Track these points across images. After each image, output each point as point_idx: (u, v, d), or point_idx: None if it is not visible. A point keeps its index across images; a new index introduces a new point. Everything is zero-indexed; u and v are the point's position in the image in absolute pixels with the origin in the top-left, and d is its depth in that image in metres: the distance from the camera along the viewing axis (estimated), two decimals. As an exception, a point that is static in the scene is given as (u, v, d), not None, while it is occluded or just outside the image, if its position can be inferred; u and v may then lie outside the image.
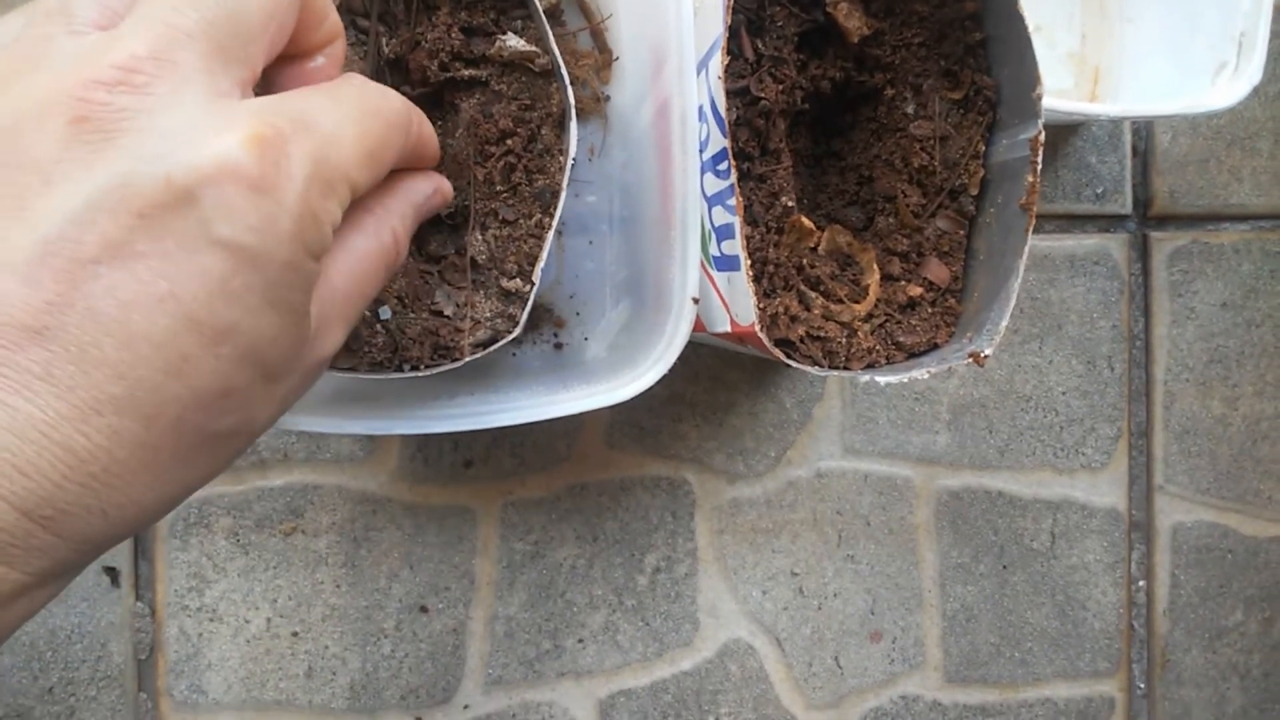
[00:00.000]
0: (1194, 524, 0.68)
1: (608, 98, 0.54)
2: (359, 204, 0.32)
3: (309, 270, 0.25)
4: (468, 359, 0.42)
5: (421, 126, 0.33)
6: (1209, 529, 0.68)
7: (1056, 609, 0.66)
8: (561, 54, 0.53)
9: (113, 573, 0.59)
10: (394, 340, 0.42)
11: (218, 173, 0.22)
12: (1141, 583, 0.68)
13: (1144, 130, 0.68)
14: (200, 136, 0.23)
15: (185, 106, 0.23)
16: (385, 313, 0.42)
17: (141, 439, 0.22)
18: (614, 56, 0.54)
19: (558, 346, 0.55)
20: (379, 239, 0.30)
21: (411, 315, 0.44)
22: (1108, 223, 0.67)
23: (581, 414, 0.48)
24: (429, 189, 0.35)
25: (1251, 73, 0.54)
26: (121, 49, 0.23)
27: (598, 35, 0.54)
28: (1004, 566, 0.66)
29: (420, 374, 0.41)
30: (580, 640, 0.62)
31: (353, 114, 0.27)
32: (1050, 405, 0.66)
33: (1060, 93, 0.65)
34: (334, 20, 0.31)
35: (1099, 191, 0.67)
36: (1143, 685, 0.68)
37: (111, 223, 0.22)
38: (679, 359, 0.46)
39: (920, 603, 0.65)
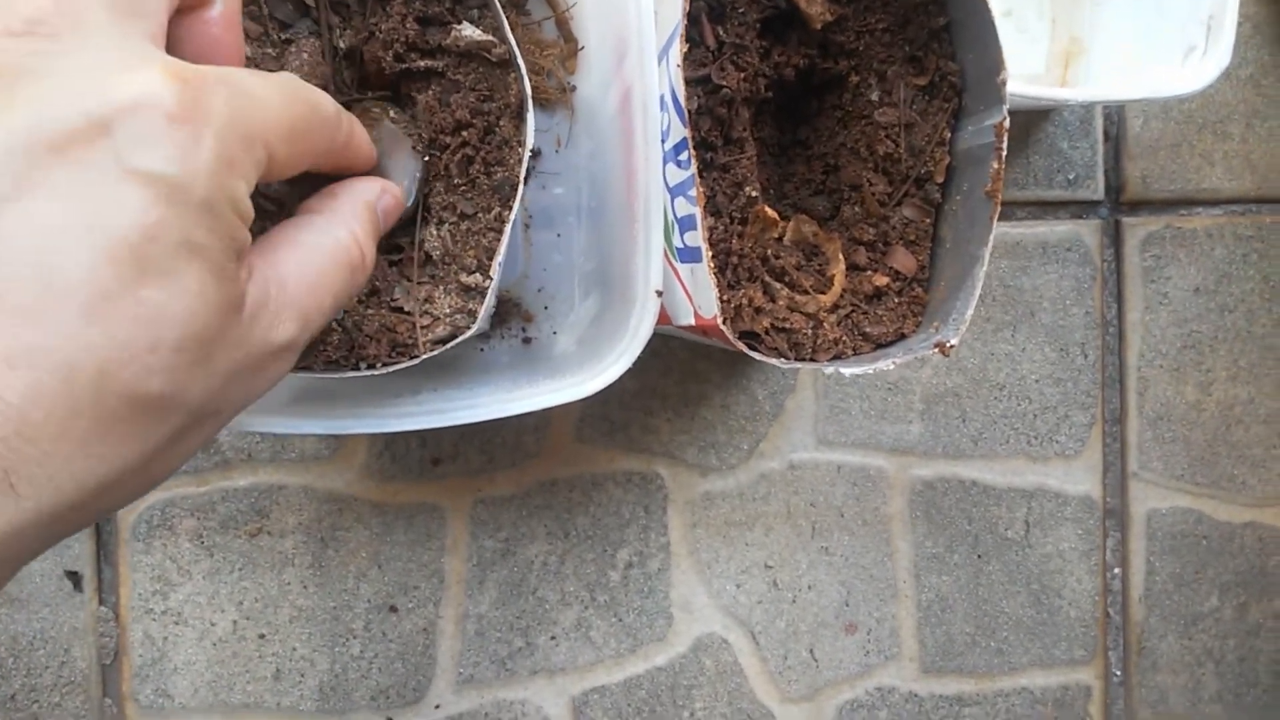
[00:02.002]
0: (1168, 510, 0.68)
1: (574, 87, 0.53)
2: (306, 207, 0.32)
3: (230, 222, 0.24)
4: (425, 356, 0.41)
5: (353, 128, 0.33)
6: (1183, 515, 0.68)
7: (1032, 597, 0.66)
8: (526, 43, 0.52)
9: (75, 577, 0.58)
10: (350, 338, 0.41)
11: (134, 103, 0.22)
12: (1117, 570, 0.68)
13: (1115, 115, 0.68)
14: (115, 73, 0.22)
15: (97, 51, 0.23)
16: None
17: (59, 396, 0.21)
18: (579, 45, 0.53)
19: (526, 341, 0.54)
20: (333, 237, 0.30)
21: (370, 312, 0.43)
22: (1080, 209, 0.67)
23: (551, 409, 0.47)
24: (374, 189, 0.35)
25: (1220, 56, 0.54)
26: (26, 3, 0.22)
27: (562, 24, 0.53)
28: (979, 556, 0.66)
29: (377, 372, 0.41)
30: (553, 637, 0.61)
31: (280, 90, 0.26)
32: (1023, 393, 0.66)
33: (1031, 77, 0.64)
34: None
35: (1071, 177, 0.67)
36: (1119, 672, 0.68)
37: (24, 158, 0.21)
38: (648, 351, 0.46)
39: (895, 593, 0.65)
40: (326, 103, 0.30)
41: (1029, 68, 0.64)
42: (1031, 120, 0.67)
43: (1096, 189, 0.67)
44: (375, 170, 0.46)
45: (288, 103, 0.26)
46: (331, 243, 0.30)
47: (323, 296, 0.29)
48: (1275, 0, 0.68)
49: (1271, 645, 0.69)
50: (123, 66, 0.22)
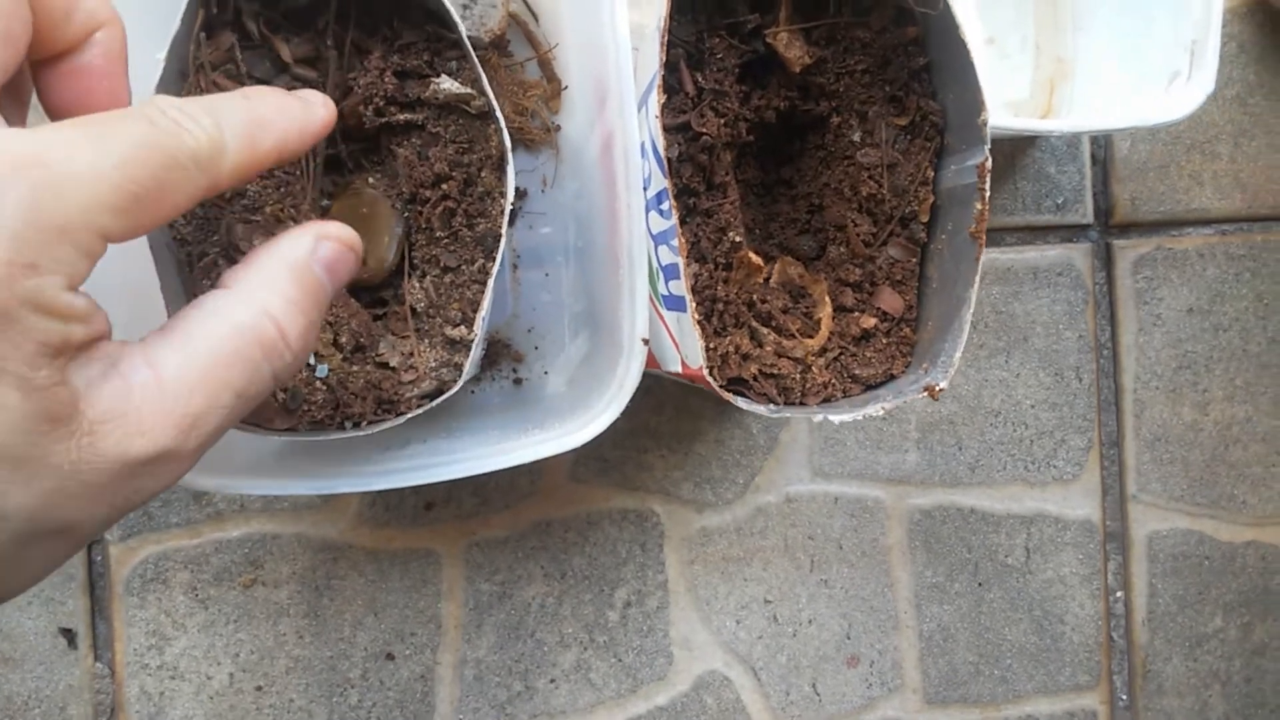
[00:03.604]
0: (1169, 532, 0.67)
1: (558, 127, 0.53)
2: (221, 281, 0.28)
3: (36, 329, 0.22)
4: (411, 414, 0.40)
5: (254, 130, 0.28)
6: (1184, 536, 0.67)
7: (1034, 624, 0.66)
8: (509, 84, 0.52)
9: (69, 634, 0.57)
10: (335, 396, 0.41)
11: None
12: (1119, 593, 0.67)
13: (1102, 138, 0.67)
14: None
15: None
16: (322, 370, 0.41)
17: None
18: (563, 85, 0.53)
19: (517, 382, 0.54)
20: (232, 321, 0.26)
21: (354, 368, 0.43)
22: (1070, 233, 0.67)
23: (541, 453, 0.47)
24: (304, 244, 0.29)
25: (1204, 81, 0.53)
26: None
27: (545, 64, 0.53)
28: (979, 584, 0.65)
29: (363, 431, 0.40)
30: (552, 680, 0.61)
31: (119, 149, 0.23)
32: (1019, 419, 0.66)
33: (1016, 104, 0.64)
34: (90, 8, 0.28)
35: (1059, 202, 0.67)
36: (1125, 697, 0.67)
37: None
38: (640, 389, 0.45)
39: (896, 624, 0.64)
40: (192, 141, 0.25)
41: (1013, 94, 0.64)
42: (1018, 146, 0.67)
43: (1086, 212, 0.67)
44: (360, 233, 0.46)
45: (128, 163, 0.23)
46: (233, 328, 0.26)
47: (216, 394, 0.25)
48: (1260, 19, 0.68)
49: (1277, 664, 0.68)
50: None
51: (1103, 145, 0.67)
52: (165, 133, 0.25)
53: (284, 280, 0.28)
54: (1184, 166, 0.68)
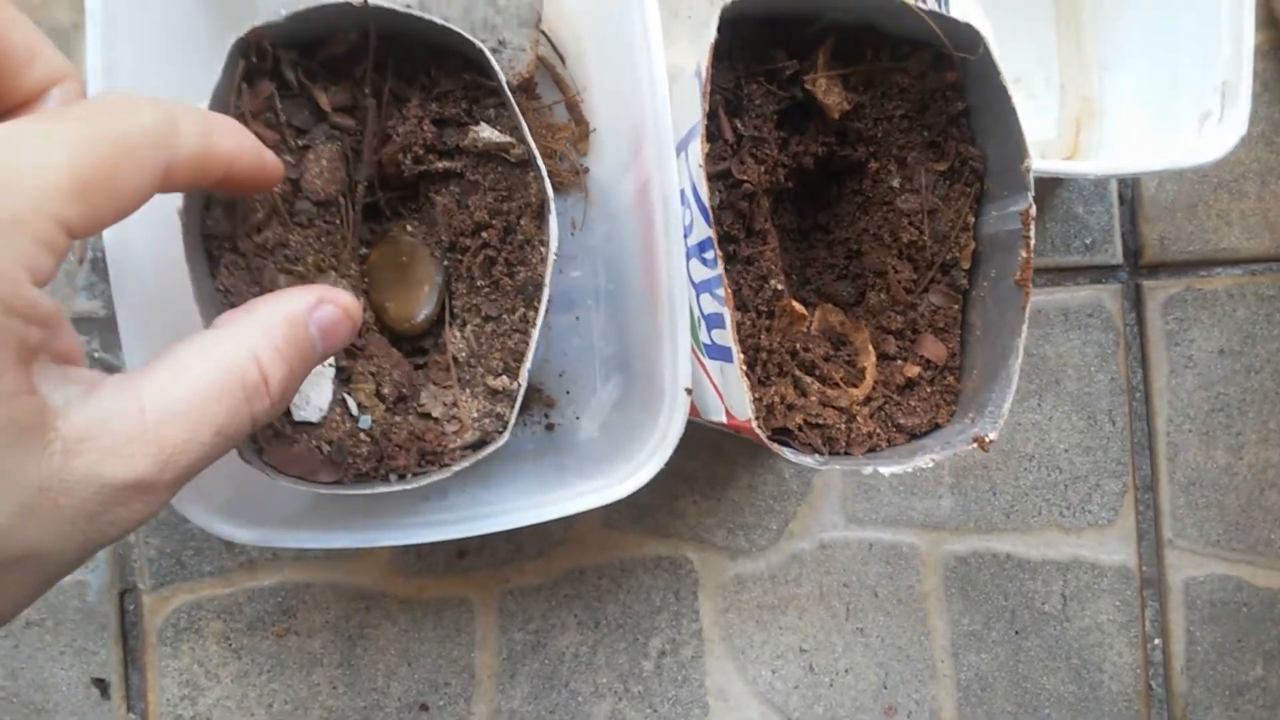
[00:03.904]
0: (1206, 578, 0.66)
1: (586, 170, 0.53)
2: (215, 323, 0.29)
3: None
4: (456, 468, 0.40)
5: (209, 128, 0.28)
6: (1221, 582, 0.66)
7: (1072, 673, 0.65)
8: (538, 127, 0.53)
9: (102, 684, 0.57)
10: (379, 448, 0.41)
11: None
12: (1157, 641, 0.66)
13: (1130, 179, 0.67)
14: None
15: None
16: (365, 422, 0.41)
17: None
18: (591, 128, 0.53)
19: (549, 427, 0.54)
20: (222, 358, 0.26)
21: (397, 419, 0.43)
22: (1099, 273, 0.67)
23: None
24: (305, 301, 0.30)
25: (1236, 123, 0.54)
26: None
27: (573, 108, 0.54)
28: (1016, 632, 0.64)
29: (408, 485, 0.40)
30: (586, 731, 0.60)
31: (66, 138, 0.23)
32: (1053, 463, 0.65)
33: (1042, 144, 0.64)
34: (49, 58, 0.28)
35: (1088, 242, 0.66)
36: (1166, 745, 0.66)
37: None
38: (674, 436, 0.45)
39: (934, 674, 0.64)
40: (140, 122, 0.25)
41: (1039, 134, 0.65)
42: (1046, 187, 0.67)
43: (1115, 253, 0.67)
44: (398, 282, 0.46)
45: (76, 149, 0.23)
46: (219, 365, 0.26)
47: (197, 428, 0.25)
48: (1284, 60, 0.68)
49: (1321, 712, 0.67)
50: None
51: (1130, 185, 0.68)
52: (113, 116, 0.24)
53: (277, 329, 0.28)
54: (1212, 206, 0.68)
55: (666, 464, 0.44)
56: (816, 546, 0.63)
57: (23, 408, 0.21)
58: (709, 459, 0.62)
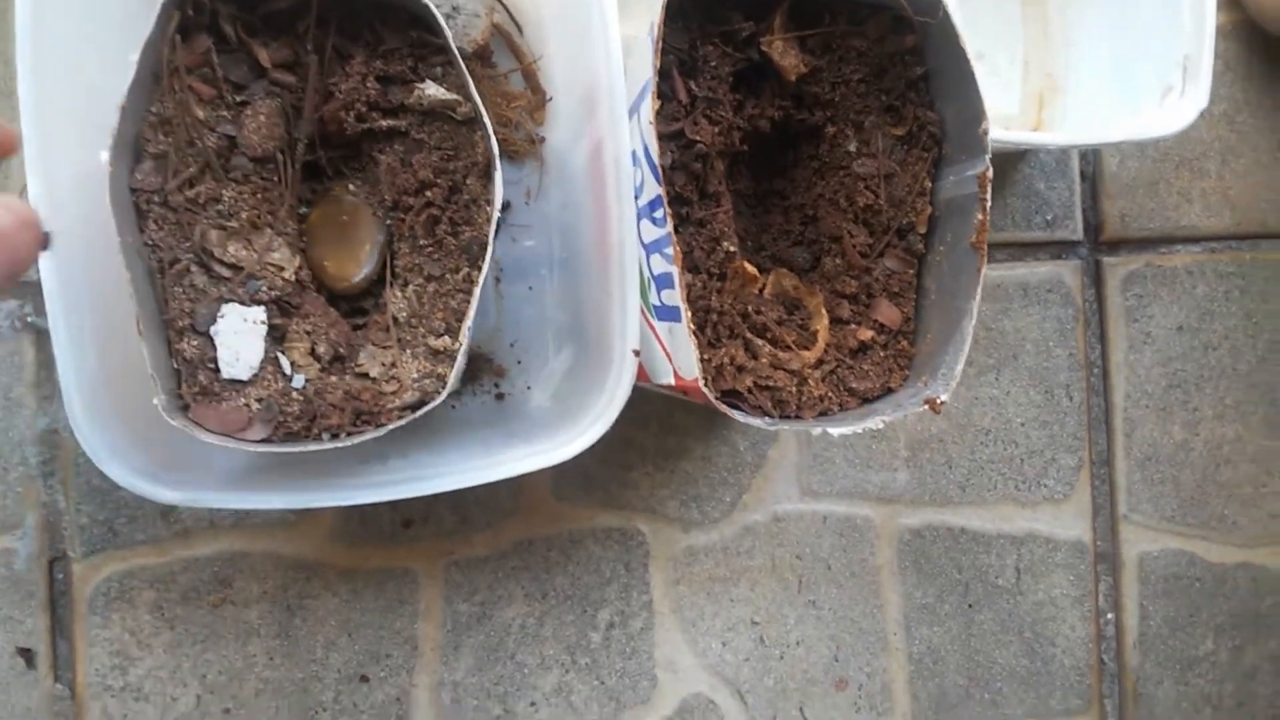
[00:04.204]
0: (1160, 553, 0.66)
1: (543, 139, 0.52)
2: None
3: None
4: (391, 426, 0.39)
5: None
6: (1175, 557, 0.67)
7: (1025, 646, 0.65)
8: (493, 95, 0.51)
9: (28, 654, 0.55)
10: (311, 406, 0.40)
11: None
12: (1110, 615, 0.66)
13: (1092, 155, 0.67)
14: None
15: None
16: (298, 380, 0.40)
17: None
18: (547, 97, 0.52)
19: (499, 397, 0.52)
20: None
21: (333, 379, 0.41)
22: (1059, 249, 0.66)
23: (525, 469, 0.45)
24: None
25: (1198, 97, 0.53)
26: None
27: (529, 76, 0.52)
28: (969, 605, 0.64)
29: (340, 443, 0.39)
30: (533, 704, 0.59)
31: None
32: (1010, 437, 0.65)
33: (1005, 119, 0.64)
34: None
35: (1049, 218, 0.66)
36: (1115, 721, 0.66)
37: None
38: (626, 404, 0.44)
39: (885, 646, 0.63)
40: None
41: (1002, 109, 0.64)
42: (1007, 161, 0.66)
43: (1075, 229, 0.66)
44: (338, 241, 0.44)
45: None
46: None
47: None
48: (1246, 37, 0.68)
49: (1268, 688, 0.68)
50: None
51: (1091, 162, 0.67)
52: None
53: None
54: (1173, 183, 0.67)
55: (618, 435, 0.43)
56: (770, 519, 0.62)
57: None
58: (661, 430, 0.60)
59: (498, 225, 0.42)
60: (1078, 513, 0.65)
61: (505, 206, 0.51)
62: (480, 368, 0.52)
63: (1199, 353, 0.67)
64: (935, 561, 0.64)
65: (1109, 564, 0.66)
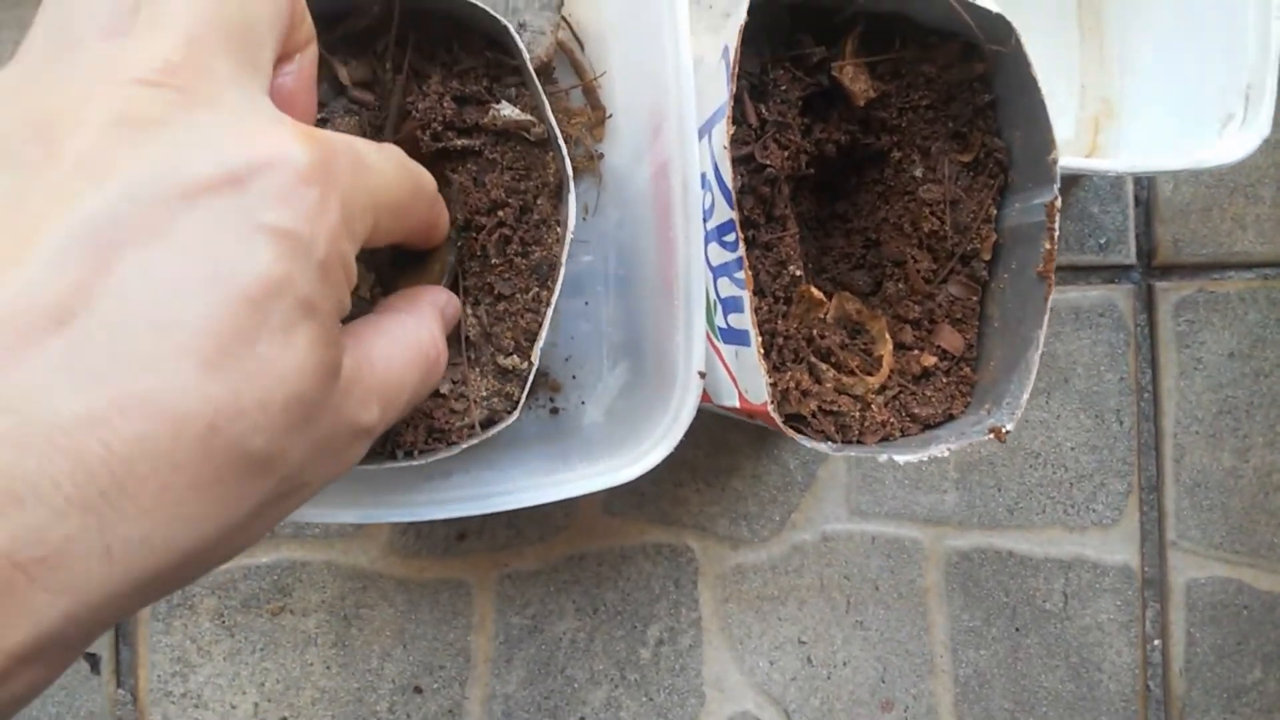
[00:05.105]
0: (1208, 580, 0.66)
1: (601, 155, 0.53)
2: (386, 305, 0.33)
3: (340, 286, 0.24)
4: (464, 445, 0.39)
5: (443, 209, 0.34)
6: (1223, 585, 0.66)
7: (1071, 671, 0.64)
8: (555, 112, 0.52)
9: (93, 659, 0.56)
10: (387, 425, 0.40)
11: (268, 160, 0.22)
12: (1157, 642, 0.66)
13: (1146, 180, 0.67)
14: (249, 129, 0.22)
15: (229, 106, 0.23)
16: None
17: (167, 450, 0.19)
18: (607, 114, 0.53)
19: (554, 411, 0.53)
20: (415, 334, 0.30)
21: (405, 396, 0.42)
22: (1112, 273, 0.66)
23: (581, 485, 0.46)
24: (444, 297, 0.35)
25: (1261, 125, 0.53)
26: (155, 53, 0.22)
27: (590, 93, 0.53)
28: (1016, 629, 0.64)
29: (415, 461, 0.39)
30: (582, 718, 0.59)
31: (391, 162, 0.27)
32: (1059, 461, 0.65)
33: (1060, 144, 0.63)
34: (310, 24, 0.30)
35: (1102, 242, 0.66)
36: (1161, 748, 0.66)
37: (152, 204, 0.20)
38: (680, 425, 0.44)
39: (932, 669, 0.63)
40: (428, 181, 0.30)
41: (1058, 133, 0.63)
42: (1062, 185, 0.66)
43: (1128, 253, 0.66)
44: (410, 261, 0.45)
45: (398, 176, 0.27)
46: (414, 338, 0.30)
47: (402, 388, 0.28)
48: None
49: (1317, 719, 0.67)
50: (255, 122, 0.23)
51: (1145, 187, 0.67)
52: (411, 162, 0.29)
53: (438, 319, 0.33)
54: (1227, 209, 0.67)
55: (670, 453, 0.44)
56: (819, 538, 0.62)
57: (337, 355, 0.24)
58: (713, 449, 0.61)
59: (569, 246, 0.42)
60: (1125, 538, 0.65)
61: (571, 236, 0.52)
62: (536, 382, 0.52)
63: (1250, 379, 0.67)
64: (983, 584, 0.64)
65: (1156, 590, 0.66)
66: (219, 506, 0.21)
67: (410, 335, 0.30)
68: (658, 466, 0.42)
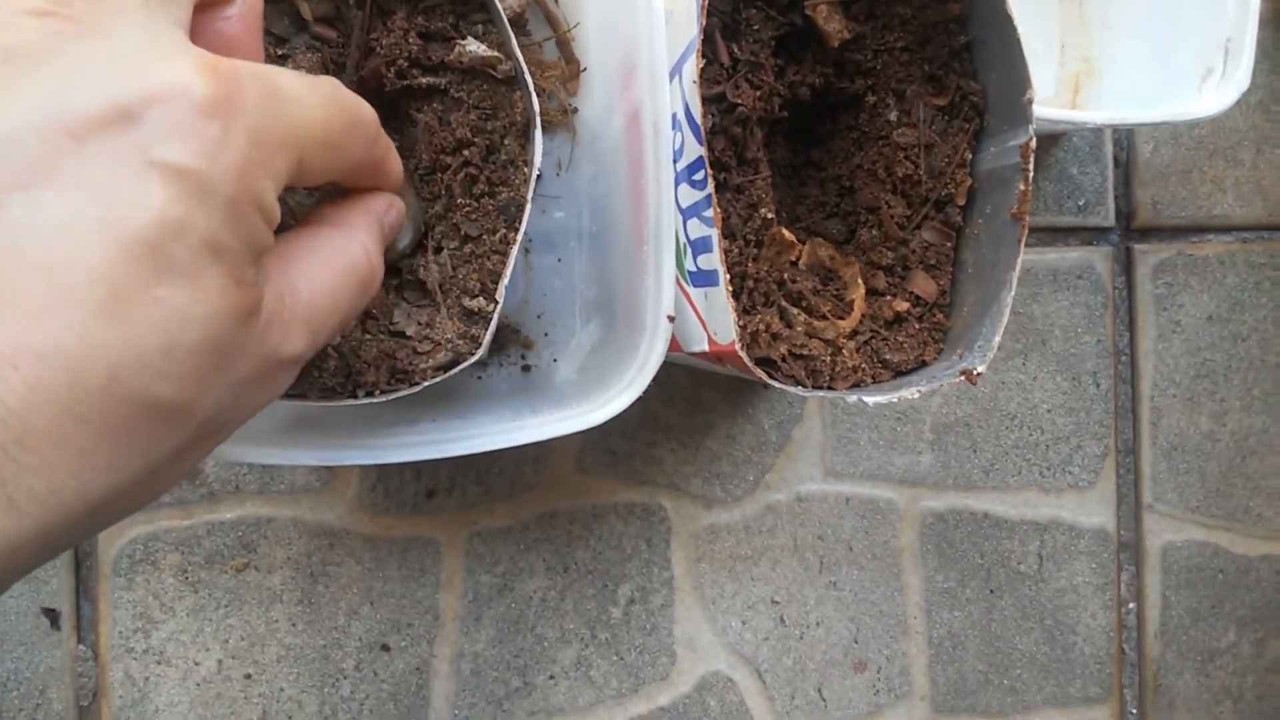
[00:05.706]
0: (1184, 543, 0.66)
1: (575, 110, 0.52)
2: (316, 216, 0.30)
3: (253, 224, 0.22)
4: (426, 383, 0.39)
5: (389, 148, 0.32)
6: (1199, 548, 0.66)
7: (1046, 634, 0.64)
8: (527, 65, 0.51)
9: (53, 614, 0.55)
10: (347, 364, 0.39)
11: (163, 92, 0.20)
12: (1132, 605, 0.66)
13: (1125, 141, 0.66)
14: (144, 60, 0.21)
15: (124, 36, 0.21)
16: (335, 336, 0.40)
17: (65, 401, 0.19)
18: (581, 67, 0.52)
19: (525, 369, 0.52)
20: (346, 250, 0.28)
21: (368, 337, 0.41)
22: (1090, 235, 0.66)
23: (551, 439, 0.45)
24: (383, 203, 0.33)
25: (1239, 79, 0.53)
26: None
27: (564, 45, 0.52)
28: (991, 590, 0.64)
29: (376, 399, 0.38)
30: (551, 677, 0.59)
31: (319, 95, 0.25)
32: (1035, 423, 0.64)
33: (1040, 102, 0.63)
34: None
35: (1081, 203, 0.65)
36: (1135, 711, 0.65)
37: (38, 143, 0.19)
38: (653, 380, 0.44)
39: (905, 630, 0.63)
40: (367, 114, 0.28)
41: (1037, 92, 0.63)
42: (1041, 145, 0.65)
43: (1107, 215, 0.66)
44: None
45: (326, 109, 0.25)
46: (344, 255, 0.28)
47: (332, 310, 0.27)
48: (1285, 25, 0.67)
49: (1289, 683, 0.67)
50: (152, 54, 0.21)
51: (1125, 148, 0.66)
52: (349, 95, 0.27)
53: (374, 228, 0.31)
54: (1206, 172, 0.67)
55: (643, 411, 0.43)
56: (793, 498, 0.62)
57: (254, 295, 0.23)
58: (687, 408, 0.60)
59: (534, 188, 0.41)
60: (1102, 501, 0.65)
61: (537, 177, 0.51)
62: (507, 339, 0.52)
63: (1228, 343, 0.66)
64: (957, 546, 0.63)
65: (1132, 553, 0.66)
66: (130, 455, 0.21)
67: (340, 253, 0.28)
68: (630, 424, 0.41)
